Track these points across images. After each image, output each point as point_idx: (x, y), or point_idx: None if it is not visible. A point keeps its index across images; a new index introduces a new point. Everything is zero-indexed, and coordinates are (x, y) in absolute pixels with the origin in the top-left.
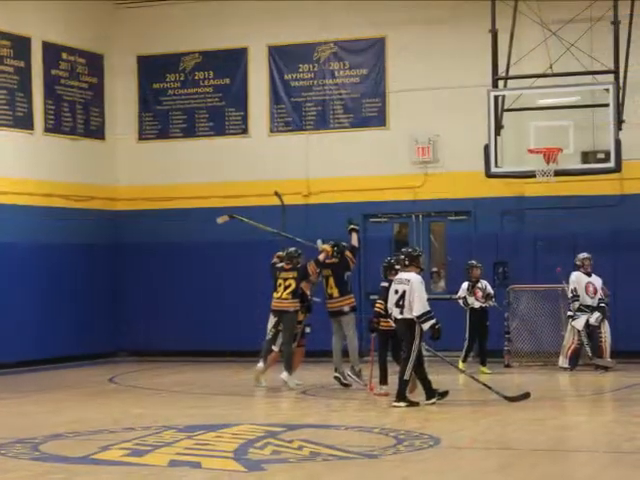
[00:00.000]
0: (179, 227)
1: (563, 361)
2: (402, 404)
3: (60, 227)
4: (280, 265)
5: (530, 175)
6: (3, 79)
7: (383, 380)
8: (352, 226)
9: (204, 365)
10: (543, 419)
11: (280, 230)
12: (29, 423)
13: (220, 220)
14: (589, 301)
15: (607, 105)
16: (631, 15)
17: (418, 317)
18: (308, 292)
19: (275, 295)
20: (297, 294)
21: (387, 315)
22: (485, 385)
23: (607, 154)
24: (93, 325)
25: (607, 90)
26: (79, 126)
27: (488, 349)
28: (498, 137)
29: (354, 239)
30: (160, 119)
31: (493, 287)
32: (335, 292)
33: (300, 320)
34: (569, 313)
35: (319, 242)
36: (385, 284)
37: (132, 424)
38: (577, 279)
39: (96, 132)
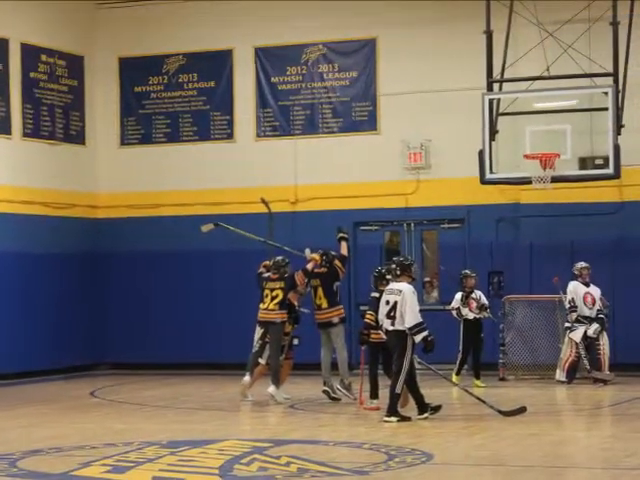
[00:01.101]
0: (162, 236)
1: (560, 374)
2: (393, 419)
3: (39, 236)
4: (267, 275)
5: (526, 181)
6: None
7: (374, 394)
8: (341, 234)
9: (188, 378)
10: (539, 434)
11: (267, 238)
12: (7, 438)
13: (205, 229)
14: (587, 312)
15: (606, 109)
16: (631, 15)
17: (410, 329)
18: (296, 303)
19: (262, 306)
20: (284, 305)
21: (378, 327)
22: (479, 399)
23: (606, 160)
24: (73, 337)
25: (606, 93)
26: (58, 131)
27: (482, 362)
28: (493, 142)
29: (343, 248)
30: (143, 123)
31: (487, 297)
32: (324, 303)
33: (288, 332)
34: (566, 324)
35: (307, 251)
36: (376, 294)
37: (114, 440)
38: (575, 289)
39: (76, 137)
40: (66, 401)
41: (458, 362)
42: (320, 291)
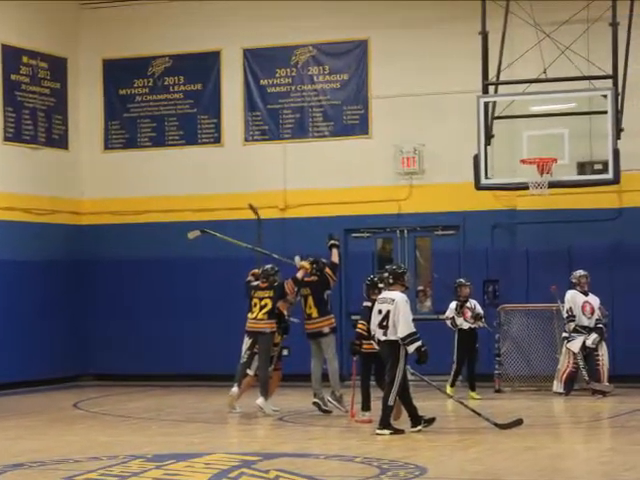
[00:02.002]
0: (148, 243)
1: (558, 386)
2: (386, 432)
3: (21, 243)
4: (255, 283)
5: (523, 187)
6: None
7: (365, 406)
8: (332, 241)
9: (173, 390)
10: (535, 448)
11: (255, 246)
12: None
13: (191, 235)
14: (586, 322)
15: (605, 112)
16: (630, 16)
17: (403, 339)
18: (285, 312)
19: (250, 315)
20: (273, 314)
21: (370, 337)
22: (474, 411)
23: (605, 165)
24: (56, 347)
25: (605, 96)
26: (41, 135)
27: (478, 373)
28: (488, 147)
29: (334, 255)
30: (127, 127)
31: (483, 306)
32: (314, 312)
33: (277, 342)
34: (564, 334)
35: (297, 259)
36: (368, 304)
37: (98, 453)
38: (573, 298)
39: (59, 141)
40: (50, 413)
41: (452, 373)
42: (310, 300)
